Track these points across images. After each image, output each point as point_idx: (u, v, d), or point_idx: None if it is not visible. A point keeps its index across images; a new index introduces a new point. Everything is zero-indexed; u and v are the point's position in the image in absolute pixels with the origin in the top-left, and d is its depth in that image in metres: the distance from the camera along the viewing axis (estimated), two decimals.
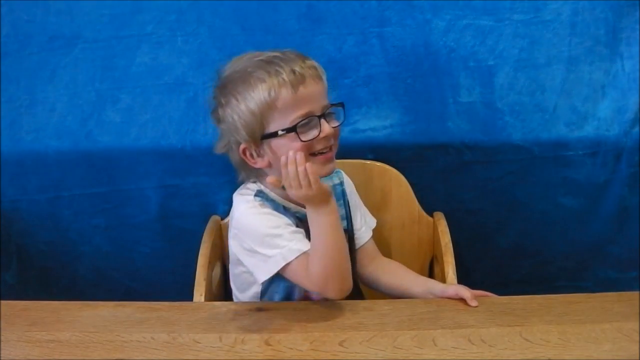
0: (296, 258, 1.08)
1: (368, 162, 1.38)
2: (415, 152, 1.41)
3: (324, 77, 1.12)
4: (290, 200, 1.13)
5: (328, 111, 1.10)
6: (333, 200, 1.08)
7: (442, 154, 1.42)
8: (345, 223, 1.21)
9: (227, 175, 1.41)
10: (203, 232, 1.33)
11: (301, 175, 1.03)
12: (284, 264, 1.08)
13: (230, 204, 1.40)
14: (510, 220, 1.51)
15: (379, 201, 1.35)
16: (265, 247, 1.09)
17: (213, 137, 1.38)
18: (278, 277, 1.11)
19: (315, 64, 1.11)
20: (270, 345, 1.01)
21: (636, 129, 1.40)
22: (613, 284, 1.54)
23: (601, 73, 1.40)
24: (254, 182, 1.17)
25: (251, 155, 1.12)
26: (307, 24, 1.42)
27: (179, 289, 1.31)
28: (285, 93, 1.06)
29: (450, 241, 1.31)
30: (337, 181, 1.23)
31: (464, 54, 1.40)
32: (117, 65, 1.43)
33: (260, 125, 1.08)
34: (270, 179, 1.09)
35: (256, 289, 1.18)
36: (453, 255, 1.28)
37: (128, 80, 1.42)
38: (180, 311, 1.11)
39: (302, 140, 1.07)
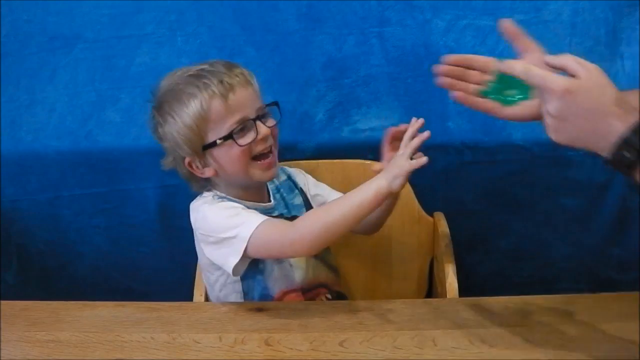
0: (261, 224, 1.09)
1: (368, 162, 1.38)
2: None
3: (254, 81, 1.15)
4: (248, 199, 1.17)
5: (263, 112, 1.14)
6: (395, 190, 1.06)
7: (442, 154, 1.42)
8: (305, 209, 1.25)
9: None
10: None
11: (411, 147, 1.06)
12: (249, 234, 1.08)
13: None
14: (510, 220, 1.51)
15: None
16: (228, 229, 1.10)
17: None
18: (253, 271, 1.15)
19: (244, 70, 1.14)
20: (270, 345, 1.01)
21: None
22: (614, 286, 1.54)
23: None
24: (209, 190, 1.19)
25: (197, 167, 1.16)
26: (307, 24, 1.41)
27: (179, 289, 1.31)
28: (217, 104, 1.10)
29: (451, 242, 1.31)
30: (283, 178, 1.27)
31: (464, 54, 1.40)
32: (117, 65, 1.43)
33: (199, 137, 1.12)
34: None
35: (237, 289, 1.19)
36: (453, 256, 1.28)
37: (128, 80, 1.42)
38: (180, 311, 1.11)
39: (239, 145, 1.11)
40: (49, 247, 1.54)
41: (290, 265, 1.21)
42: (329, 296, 1.26)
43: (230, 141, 1.11)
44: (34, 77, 1.43)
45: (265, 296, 1.19)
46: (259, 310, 1.10)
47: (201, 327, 1.06)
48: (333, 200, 1.11)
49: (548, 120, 0.90)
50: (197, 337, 1.03)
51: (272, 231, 1.10)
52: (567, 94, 0.87)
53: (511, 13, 1.40)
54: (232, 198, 1.17)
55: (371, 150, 1.39)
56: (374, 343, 1.01)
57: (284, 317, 1.08)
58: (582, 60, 0.90)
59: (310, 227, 1.07)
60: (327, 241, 1.11)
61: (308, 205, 1.27)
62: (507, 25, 1.02)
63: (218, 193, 1.18)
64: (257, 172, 1.15)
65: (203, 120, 1.11)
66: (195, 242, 1.20)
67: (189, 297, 1.25)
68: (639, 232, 1.47)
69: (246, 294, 1.19)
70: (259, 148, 1.14)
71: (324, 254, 1.28)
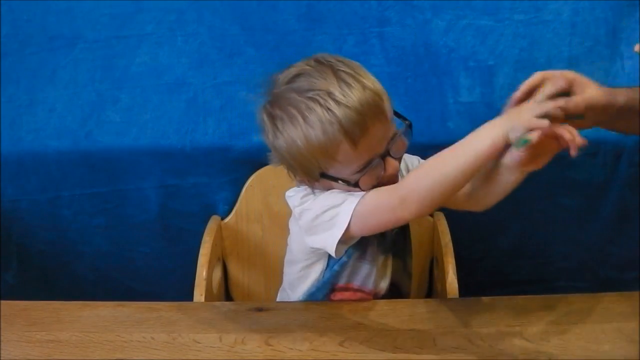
0: (366, 193, 0.98)
1: None
2: (415, 152, 1.41)
3: (387, 104, 0.98)
4: None
5: (394, 137, 1.00)
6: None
7: None
8: None
9: (227, 175, 1.41)
10: (203, 232, 1.34)
11: (545, 109, 0.92)
12: (355, 203, 0.97)
13: (229, 203, 1.41)
14: (510, 220, 1.51)
15: None
16: (333, 207, 0.99)
17: (213, 137, 1.39)
18: (334, 260, 1.07)
19: (378, 96, 0.97)
20: (270, 345, 1.01)
21: None
22: (613, 284, 1.54)
23: (601, 73, 1.40)
24: None
25: (308, 181, 1.04)
26: (307, 24, 1.42)
27: (179, 289, 1.31)
28: (345, 149, 0.96)
29: (451, 241, 1.31)
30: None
31: (464, 54, 1.40)
32: (117, 65, 1.43)
33: (318, 168, 0.99)
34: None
35: (318, 269, 1.11)
36: (453, 256, 1.28)
37: (128, 80, 1.42)
38: (180, 311, 1.11)
39: (362, 189, 0.99)
40: (49, 247, 1.53)
41: (371, 268, 1.12)
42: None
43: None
44: (34, 77, 1.43)
45: (329, 284, 1.11)
46: (259, 310, 1.10)
47: (201, 327, 1.06)
48: (442, 152, 0.94)
49: None
50: (197, 337, 1.03)
51: (380, 194, 0.98)
52: None
53: (511, 13, 1.40)
54: None
55: None
56: (374, 343, 1.01)
57: (284, 317, 1.08)
58: None
59: (421, 181, 0.94)
60: (439, 198, 0.95)
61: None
62: None
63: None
64: None
65: (327, 158, 0.97)
66: (290, 237, 1.14)
67: (189, 297, 1.25)
68: (638, 231, 1.47)
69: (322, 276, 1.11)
70: (383, 181, 1.01)
71: (407, 259, 1.19)
